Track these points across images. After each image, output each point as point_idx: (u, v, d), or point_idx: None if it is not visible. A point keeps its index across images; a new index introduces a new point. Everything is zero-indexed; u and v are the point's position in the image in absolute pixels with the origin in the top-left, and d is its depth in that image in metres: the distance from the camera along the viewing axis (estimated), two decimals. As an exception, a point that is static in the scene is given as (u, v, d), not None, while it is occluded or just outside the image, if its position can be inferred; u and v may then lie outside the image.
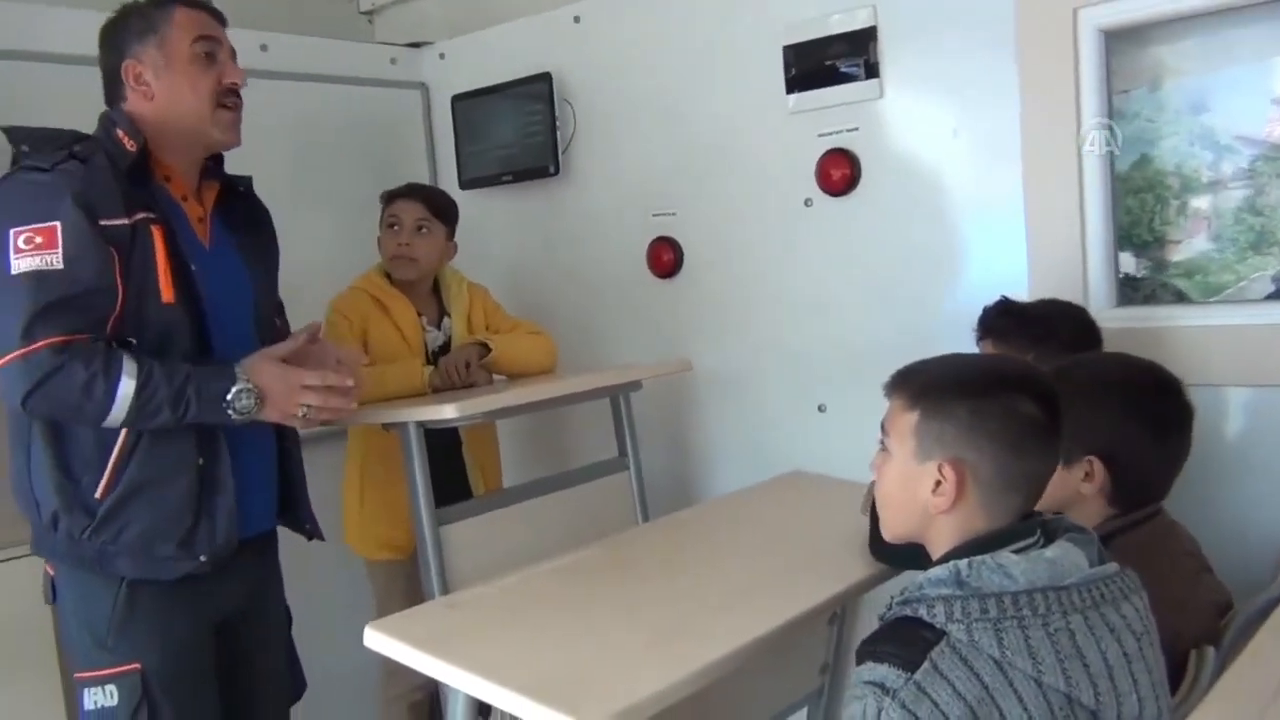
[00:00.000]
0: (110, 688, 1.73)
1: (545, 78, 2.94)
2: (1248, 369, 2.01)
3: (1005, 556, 1.15)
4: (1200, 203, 2.06)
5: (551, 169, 2.97)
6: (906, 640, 1.12)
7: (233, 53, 1.87)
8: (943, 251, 2.37)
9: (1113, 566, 1.20)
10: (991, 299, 1.99)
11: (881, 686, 1.10)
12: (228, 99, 1.84)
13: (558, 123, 2.94)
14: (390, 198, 2.65)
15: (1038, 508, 1.26)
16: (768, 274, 2.67)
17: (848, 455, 2.21)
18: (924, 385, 1.25)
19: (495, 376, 2.59)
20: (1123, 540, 1.50)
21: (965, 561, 1.15)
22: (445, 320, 2.66)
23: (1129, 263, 2.15)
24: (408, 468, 2.18)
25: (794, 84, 2.53)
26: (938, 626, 1.12)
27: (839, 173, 2.48)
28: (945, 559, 1.18)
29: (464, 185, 3.15)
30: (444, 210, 2.66)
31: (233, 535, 1.79)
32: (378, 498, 2.56)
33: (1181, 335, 2.05)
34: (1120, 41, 2.10)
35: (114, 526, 1.71)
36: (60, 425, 1.70)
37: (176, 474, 1.74)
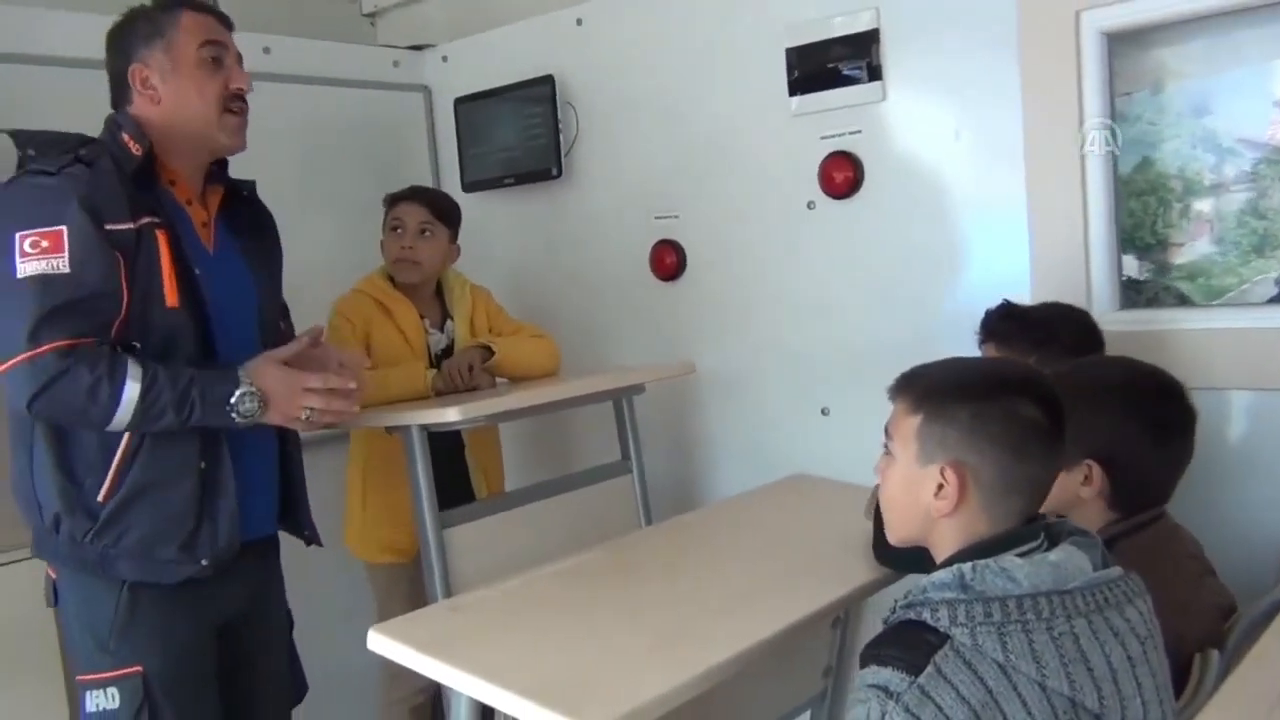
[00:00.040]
0: (112, 690, 1.73)
1: (548, 80, 2.94)
2: (1250, 372, 2.01)
3: (1009, 560, 1.15)
4: (1203, 206, 2.06)
5: (554, 171, 2.97)
6: (910, 644, 1.12)
7: (239, 57, 1.87)
8: (945, 254, 2.37)
9: (1116, 570, 1.20)
10: (994, 301, 1.99)
11: (885, 690, 1.10)
12: (234, 104, 1.84)
13: (560, 125, 2.94)
14: (393, 200, 2.65)
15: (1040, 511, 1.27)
16: (770, 277, 2.67)
17: (850, 458, 2.21)
18: (926, 389, 1.26)
19: (498, 379, 2.59)
20: (1126, 544, 1.50)
21: (969, 565, 1.15)
22: (448, 323, 2.66)
23: (1132, 266, 2.15)
24: (411, 471, 2.19)
25: (796, 86, 2.53)
26: (941, 630, 1.11)
27: (841, 175, 2.48)
28: (949, 562, 1.18)
29: (466, 188, 3.16)
30: (447, 213, 2.66)
31: (234, 539, 1.79)
32: (379, 501, 2.56)
33: (1184, 338, 2.05)
34: (1122, 44, 2.10)
35: (116, 530, 1.71)
36: (63, 428, 1.70)
37: (179, 477, 1.74)
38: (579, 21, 2.94)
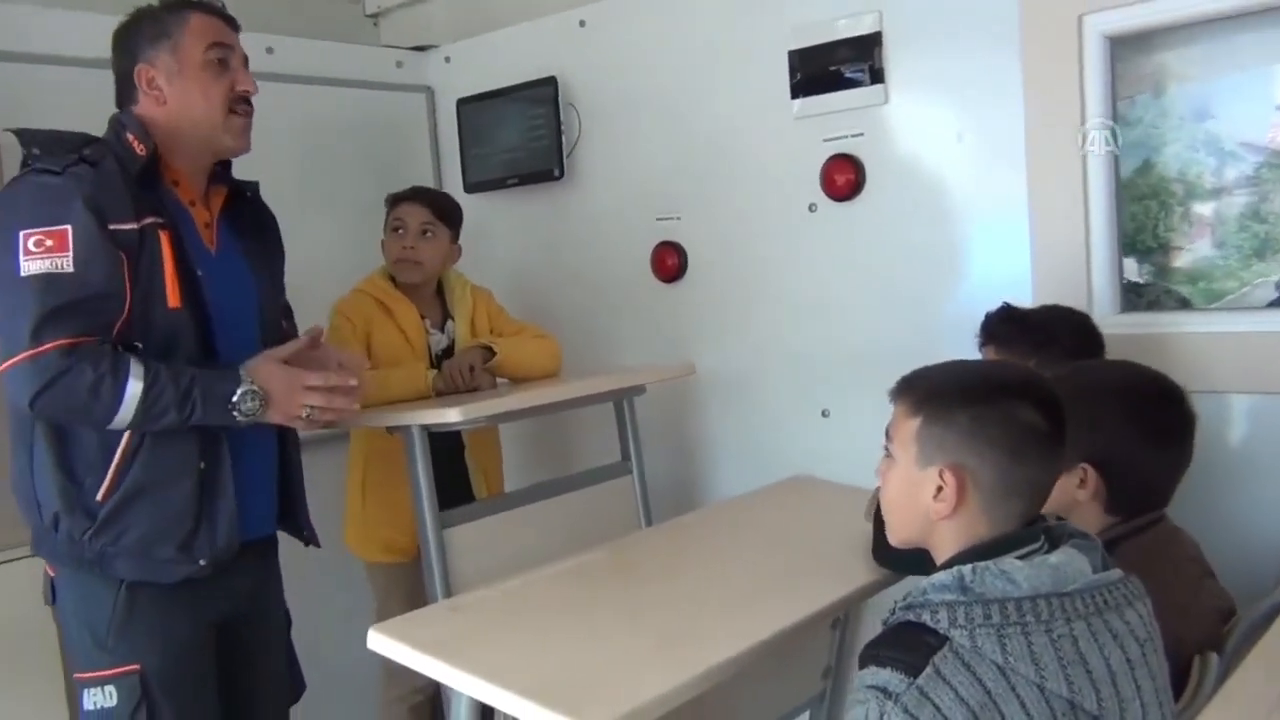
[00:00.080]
0: (110, 688, 1.74)
1: (550, 81, 2.94)
2: (1251, 376, 2.01)
3: (1009, 562, 1.15)
4: (1204, 209, 2.06)
5: (556, 173, 2.97)
6: (909, 645, 1.12)
7: (245, 59, 1.87)
8: (947, 256, 2.38)
9: (1116, 573, 1.20)
10: (995, 304, 1.99)
11: (884, 691, 1.10)
12: (239, 106, 1.84)
13: (562, 126, 2.95)
14: (395, 201, 2.65)
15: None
16: (772, 279, 2.67)
17: (850, 459, 2.22)
18: (926, 392, 1.26)
19: (499, 380, 2.59)
20: (1125, 546, 1.50)
21: (969, 567, 1.15)
22: (449, 323, 2.66)
23: (1133, 269, 2.15)
24: (411, 471, 2.19)
25: (799, 89, 2.53)
26: (941, 632, 1.12)
27: (843, 178, 2.48)
28: (949, 564, 1.18)
29: (469, 189, 3.16)
30: (449, 213, 2.66)
31: (233, 539, 1.80)
32: (379, 500, 2.56)
33: (1185, 342, 2.05)
34: (1124, 48, 2.10)
35: (114, 529, 1.71)
36: (63, 427, 1.70)
37: (178, 477, 1.74)
38: (582, 23, 2.95)
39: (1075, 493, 1.55)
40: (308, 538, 2.04)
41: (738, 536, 2.20)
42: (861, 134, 2.46)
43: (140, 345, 1.69)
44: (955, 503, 1.21)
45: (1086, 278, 2.16)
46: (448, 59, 3.29)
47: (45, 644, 2.11)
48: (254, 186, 1.97)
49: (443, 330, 2.65)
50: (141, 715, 1.74)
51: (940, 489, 1.21)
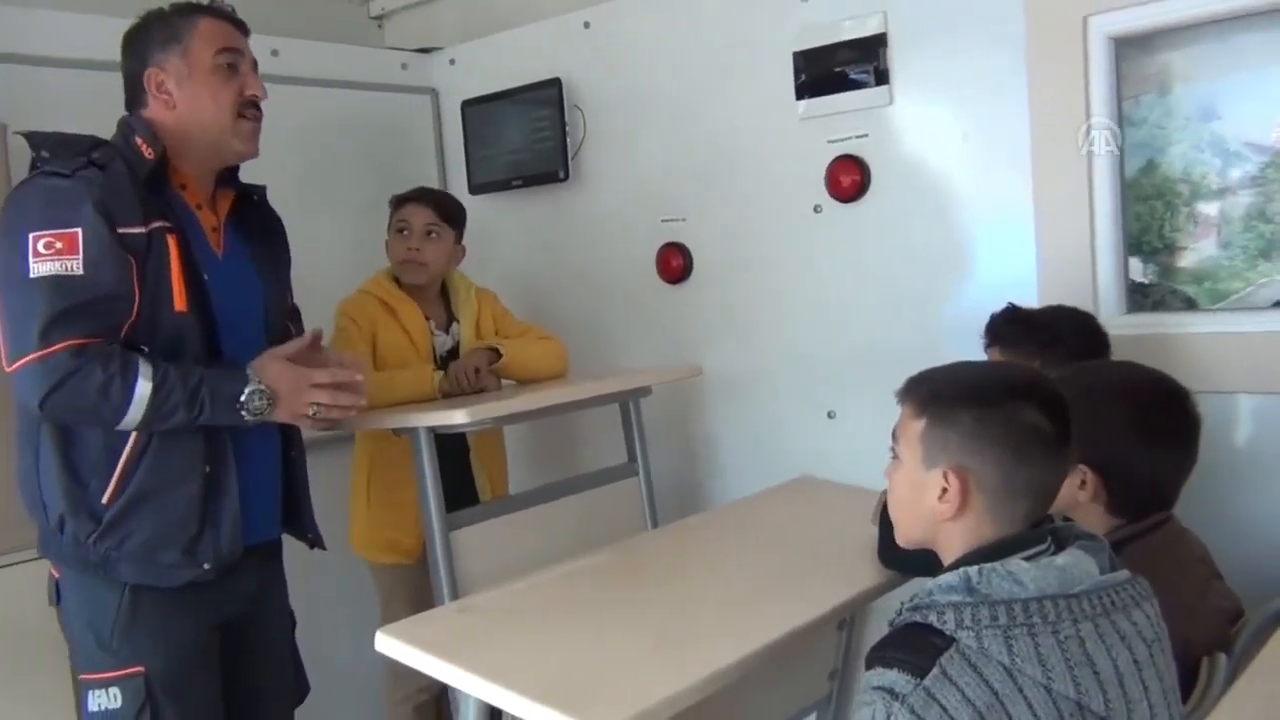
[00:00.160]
0: (114, 690, 1.74)
1: (555, 83, 2.95)
2: (1257, 376, 2.00)
3: (1015, 564, 1.15)
4: (1209, 209, 2.06)
5: (561, 174, 2.98)
6: (916, 646, 1.13)
7: (254, 64, 1.88)
8: (952, 257, 2.38)
9: (1123, 574, 1.20)
10: (1001, 305, 1.99)
11: (891, 692, 1.10)
12: (248, 110, 1.85)
13: (567, 128, 2.95)
14: (399, 202, 2.65)
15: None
16: (776, 280, 2.67)
17: (856, 460, 2.22)
18: (931, 393, 1.26)
19: (504, 381, 2.59)
20: (1132, 547, 1.50)
21: (976, 568, 1.15)
22: (453, 325, 2.66)
23: (1138, 269, 2.15)
24: (418, 473, 2.19)
25: (804, 90, 2.53)
26: (947, 633, 1.12)
27: (849, 179, 2.48)
28: (956, 566, 1.18)
29: (474, 190, 3.16)
30: (453, 215, 2.66)
31: (237, 543, 1.80)
32: (384, 502, 2.57)
33: (1191, 342, 2.05)
34: (1129, 48, 2.10)
35: (119, 533, 1.72)
36: (69, 429, 1.71)
37: (183, 481, 1.75)
38: (586, 24, 2.95)
39: (1076, 494, 1.55)
40: (312, 540, 2.04)
41: (744, 538, 2.20)
42: (866, 135, 2.46)
43: (146, 348, 1.69)
44: (959, 504, 1.21)
45: (1092, 278, 2.16)
46: (452, 61, 3.29)
47: (55, 646, 2.11)
48: (261, 190, 1.98)
49: (447, 332, 2.65)
50: (145, 717, 1.74)
51: (944, 490, 1.22)
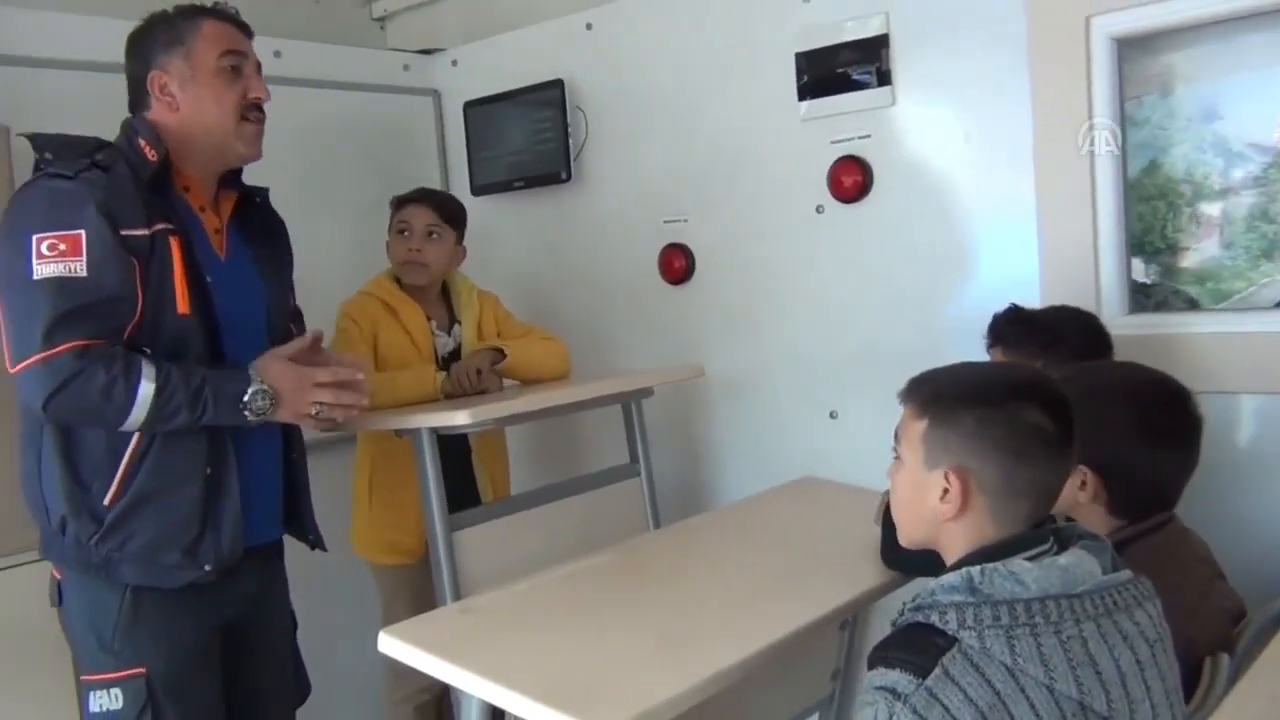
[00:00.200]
0: (115, 691, 1.74)
1: (557, 84, 2.95)
2: (1259, 376, 2.00)
3: (1018, 564, 1.15)
4: (1212, 209, 2.06)
5: (563, 175, 2.98)
6: (918, 646, 1.13)
7: (258, 66, 1.88)
8: (955, 258, 2.38)
9: (1126, 574, 1.20)
10: (1004, 305, 1.99)
11: (893, 692, 1.10)
12: (251, 113, 1.85)
13: (570, 129, 2.95)
14: (400, 203, 2.66)
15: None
16: (779, 280, 2.67)
17: (858, 461, 2.22)
18: (933, 394, 1.26)
19: (506, 382, 2.59)
20: (1135, 548, 1.50)
21: (978, 568, 1.15)
22: (455, 327, 2.66)
23: (1140, 269, 2.15)
24: (421, 473, 2.19)
25: (806, 91, 2.53)
26: (950, 633, 1.12)
27: (851, 180, 2.48)
28: (958, 566, 1.19)
29: (476, 191, 3.17)
30: (454, 215, 2.66)
31: (238, 544, 1.80)
32: (385, 502, 2.57)
33: (1193, 342, 2.05)
34: (1131, 49, 2.10)
35: (121, 535, 1.72)
36: (71, 431, 1.71)
37: (184, 483, 1.75)
38: (589, 26, 2.95)
39: (1076, 494, 1.55)
40: (313, 542, 2.05)
41: (746, 538, 2.21)
42: (869, 136, 2.46)
43: (148, 350, 1.69)
44: (961, 504, 1.21)
45: (1094, 278, 2.16)
46: (454, 62, 3.29)
47: (58, 647, 2.12)
48: (264, 192, 1.98)
49: (449, 333, 2.65)
50: (146, 718, 1.74)
51: (946, 491, 1.22)
